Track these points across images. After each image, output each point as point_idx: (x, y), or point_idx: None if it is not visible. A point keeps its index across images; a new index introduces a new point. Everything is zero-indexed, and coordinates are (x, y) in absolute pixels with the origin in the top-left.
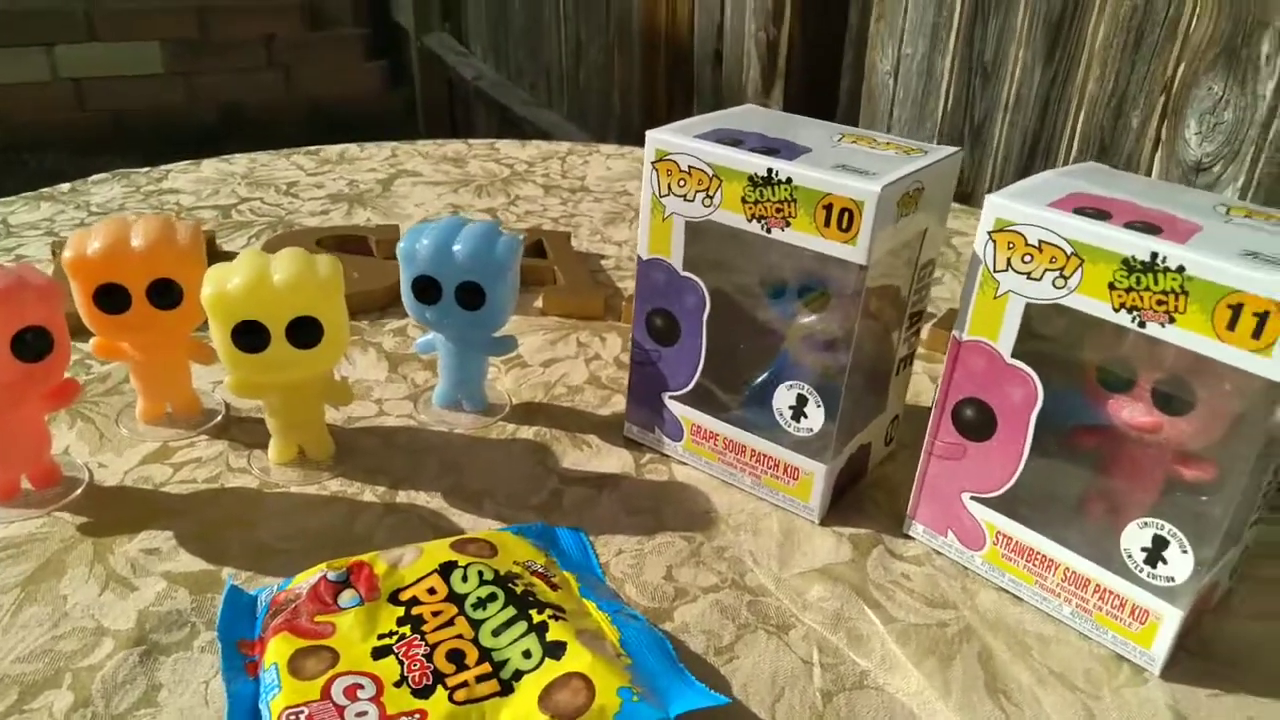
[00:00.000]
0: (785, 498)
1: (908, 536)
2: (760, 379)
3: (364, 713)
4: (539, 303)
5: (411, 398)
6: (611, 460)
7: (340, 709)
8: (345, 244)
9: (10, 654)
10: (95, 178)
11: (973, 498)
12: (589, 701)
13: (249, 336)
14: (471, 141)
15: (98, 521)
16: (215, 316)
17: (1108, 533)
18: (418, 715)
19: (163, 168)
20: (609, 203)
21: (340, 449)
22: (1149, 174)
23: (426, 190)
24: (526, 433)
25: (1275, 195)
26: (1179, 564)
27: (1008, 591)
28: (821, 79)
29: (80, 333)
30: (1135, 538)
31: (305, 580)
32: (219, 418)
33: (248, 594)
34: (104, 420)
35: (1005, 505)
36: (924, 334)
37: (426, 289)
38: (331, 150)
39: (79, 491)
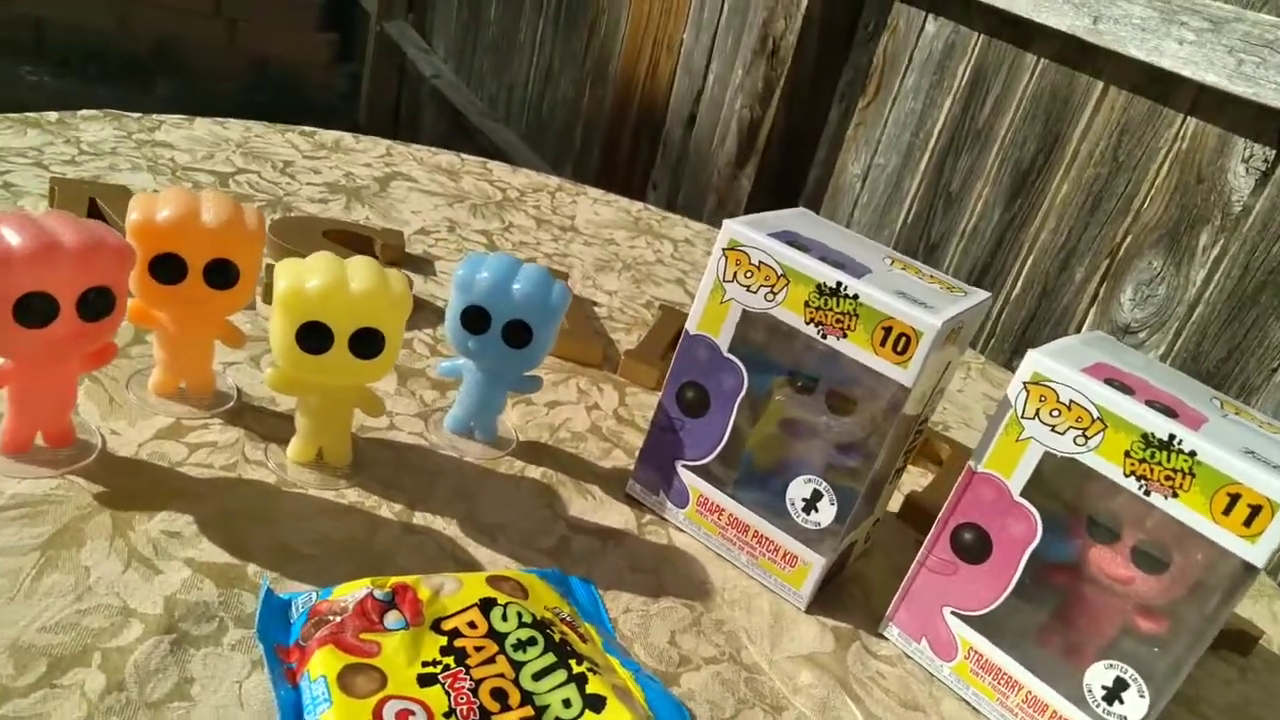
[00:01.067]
0: (778, 581)
1: (881, 636)
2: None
3: None
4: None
5: (422, 416)
6: (614, 515)
7: None
8: (349, 241)
9: (35, 622)
10: (84, 113)
11: (953, 612)
12: None
13: (313, 338)
14: (464, 156)
15: (114, 492)
16: (285, 312)
17: (1065, 663)
18: None
19: (155, 117)
20: (598, 249)
21: (355, 457)
22: (1080, 328)
23: (423, 199)
24: (534, 472)
25: (1189, 368)
26: (1135, 706)
27: (969, 704)
28: (793, 167)
29: None
30: (1099, 676)
31: (349, 594)
32: (232, 402)
33: (279, 597)
34: (112, 384)
35: (980, 623)
36: None
37: (476, 319)
38: (327, 136)
39: (93, 457)
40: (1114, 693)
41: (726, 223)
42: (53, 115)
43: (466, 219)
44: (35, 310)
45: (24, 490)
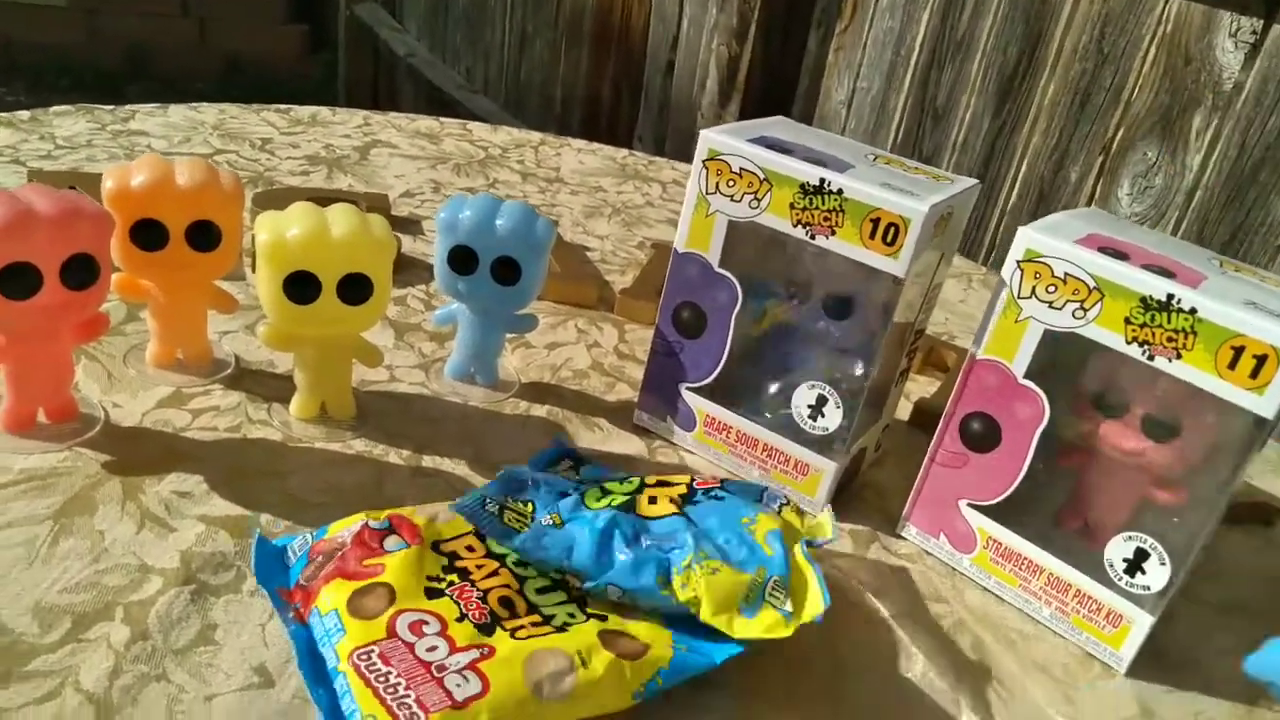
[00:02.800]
0: (792, 491)
1: (900, 536)
2: (790, 383)
3: (434, 647)
4: None
5: (422, 366)
6: (624, 444)
7: (410, 645)
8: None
9: (55, 585)
10: (57, 109)
11: (969, 505)
12: (645, 649)
13: (301, 287)
14: (444, 120)
15: (121, 460)
16: (269, 264)
17: (1085, 543)
18: (487, 649)
19: (128, 108)
20: (585, 196)
21: (359, 410)
22: None
23: (405, 163)
24: (539, 411)
25: None
26: (1157, 575)
27: (992, 592)
28: (776, 100)
29: None
30: (1119, 549)
31: (345, 529)
32: (230, 369)
33: (273, 543)
34: (110, 359)
35: (996, 513)
36: None
37: (464, 259)
38: (302, 111)
39: (97, 429)
40: (1135, 564)
41: (704, 132)
42: (25, 114)
43: (451, 179)
44: (18, 280)
45: (31, 465)
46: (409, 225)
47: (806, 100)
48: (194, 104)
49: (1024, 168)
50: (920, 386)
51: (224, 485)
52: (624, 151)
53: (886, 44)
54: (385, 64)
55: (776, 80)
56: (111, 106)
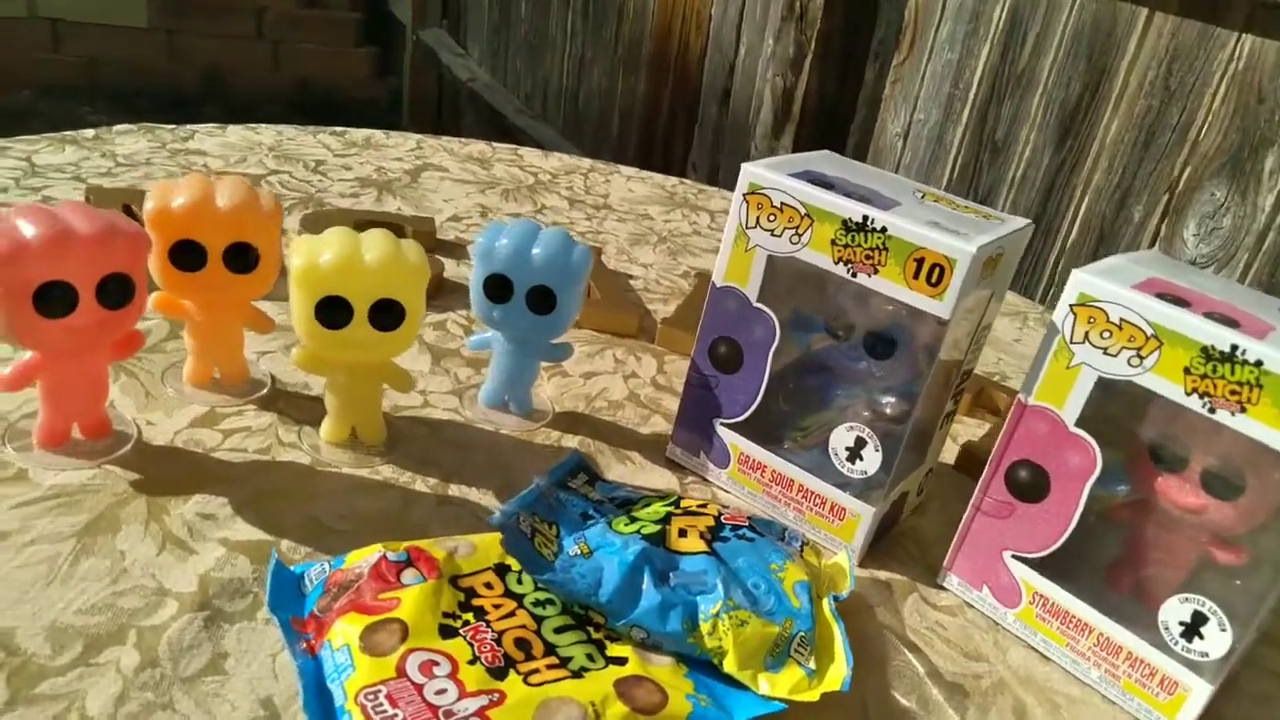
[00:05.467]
0: (827, 535)
1: (940, 587)
2: (821, 422)
3: (443, 690)
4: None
5: (456, 393)
6: (655, 479)
7: (419, 686)
8: None
9: (72, 605)
10: (120, 128)
11: (1014, 556)
12: (663, 702)
13: (333, 312)
14: (495, 145)
15: (149, 479)
16: (302, 288)
17: (1139, 603)
18: (497, 695)
19: (188, 127)
20: (632, 224)
21: (390, 436)
22: None
23: (454, 187)
24: (571, 441)
25: None
26: (1216, 640)
27: (1037, 650)
28: (831, 131)
29: None
30: (1175, 611)
31: (362, 560)
32: (265, 389)
33: (290, 570)
34: (148, 377)
35: (1044, 566)
36: None
37: (499, 288)
38: (358, 134)
39: (129, 447)
40: (1192, 628)
41: (745, 166)
42: (89, 132)
43: (499, 204)
44: (55, 299)
45: (61, 481)
46: (454, 250)
47: (862, 132)
48: (252, 125)
49: (1084, 206)
50: (968, 429)
51: (248, 508)
52: (674, 180)
53: (945, 77)
54: (448, 88)
55: (832, 112)
56: (172, 126)
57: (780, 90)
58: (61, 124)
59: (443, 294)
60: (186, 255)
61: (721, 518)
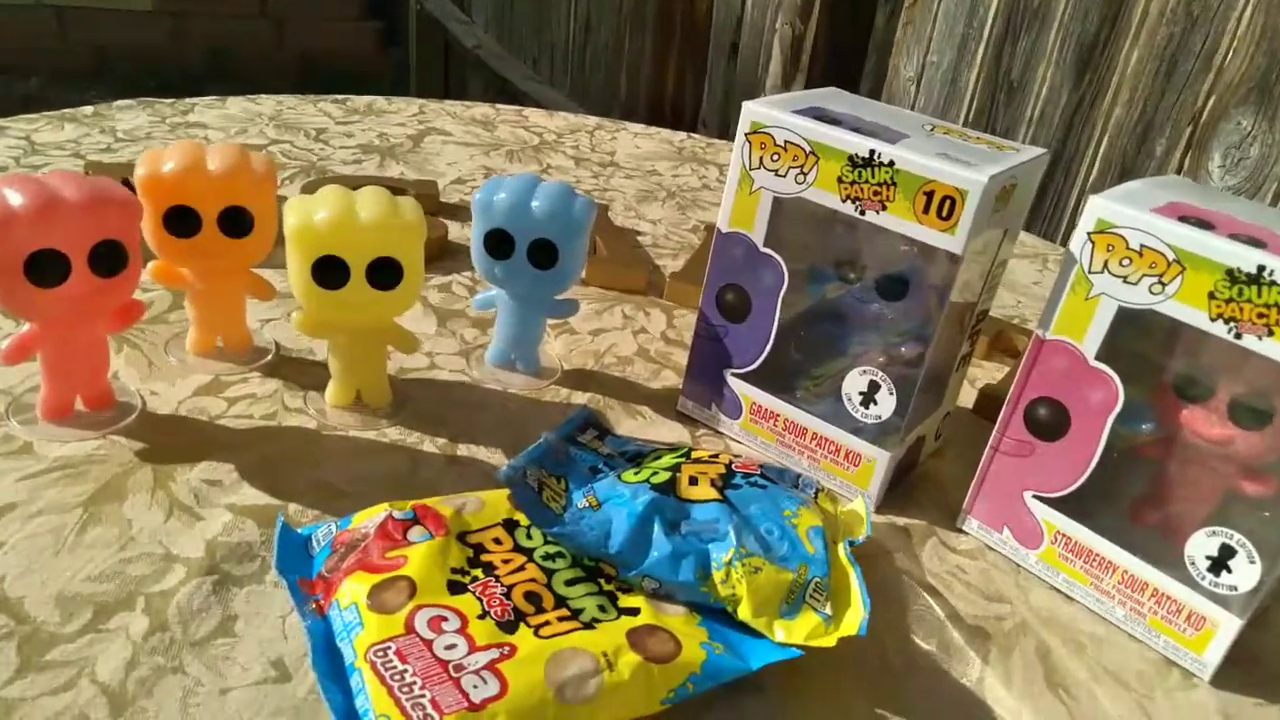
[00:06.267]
0: (842, 483)
1: (960, 530)
2: (834, 369)
3: (453, 645)
4: (582, 272)
5: (463, 354)
6: (667, 432)
7: (428, 642)
8: None
9: (80, 573)
10: (120, 103)
11: (1035, 496)
12: (677, 650)
13: (329, 272)
14: (499, 106)
15: (155, 448)
16: (297, 249)
17: (1164, 539)
18: (508, 648)
19: (188, 100)
20: (640, 180)
21: (396, 398)
22: None
23: (458, 150)
24: (580, 398)
25: None
26: (1245, 574)
27: (1059, 591)
28: (842, 79)
29: None
30: (1202, 545)
31: (368, 519)
32: (270, 356)
33: (297, 532)
34: (151, 348)
35: (1065, 506)
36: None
37: (500, 243)
38: (359, 101)
39: (133, 417)
40: (1220, 562)
41: (747, 104)
42: (89, 109)
43: (504, 165)
44: (46, 268)
45: (67, 453)
46: (458, 212)
47: (874, 79)
48: (253, 96)
49: (1105, 142)
50: (987, 373)
51: (254, 474)
52: (681, 135)
53: (958, 17)
54: (455, 57)
55: (842, 59)
56: (171, 100)
57: (789, 39)
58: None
59: (447, 256)
60: (180, 221)
61: (733, 465)
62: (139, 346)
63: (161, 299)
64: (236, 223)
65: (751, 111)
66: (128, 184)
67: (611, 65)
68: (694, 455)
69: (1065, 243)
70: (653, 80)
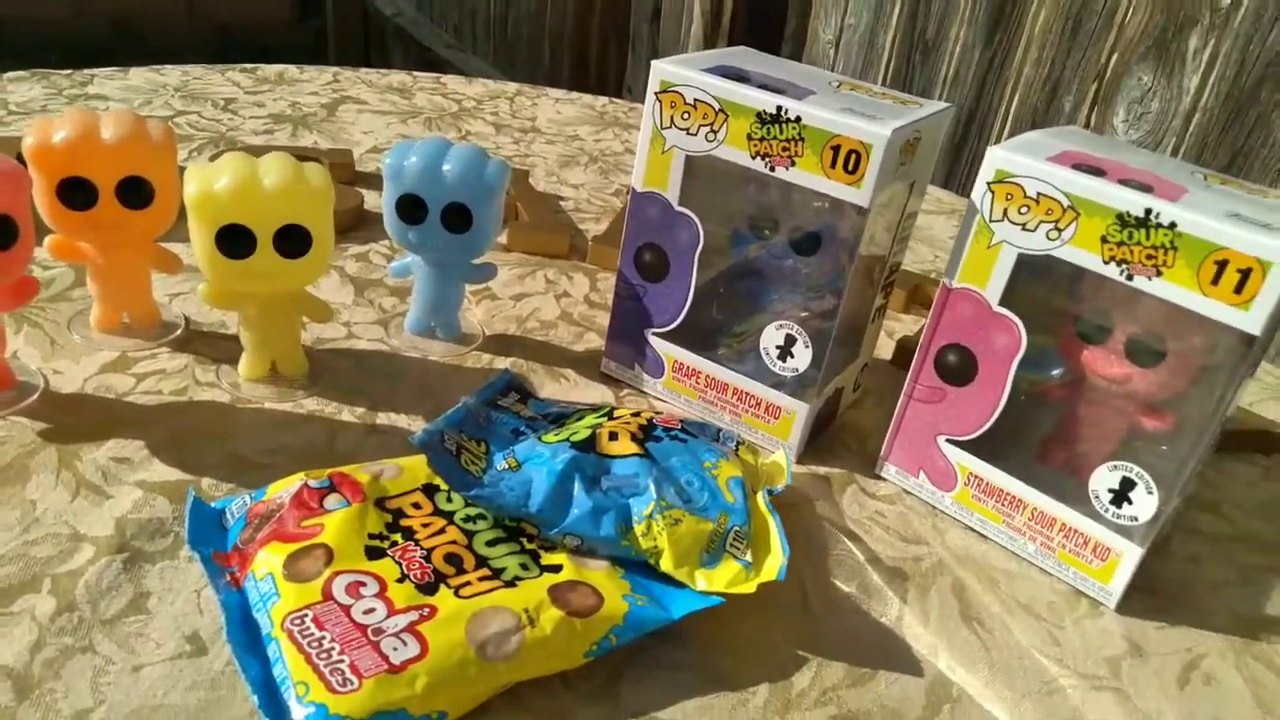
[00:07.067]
0: (764, 435)
1: (879, 477)
2: (755, 326)
3: (371, 609)
4: (503, 238)
5: (381, 323)
6: (590, 394)
7: (345, 608)
8: None
9: None
10: (11, 75)
11: (948, 440)
12: (599, 603)
13: (234, 241)
14: (416, 74)
15: (59, 428)
16: (199, 218)
17: (1070, 477)
18: (427, 610)
19: (86, 71)
20: (562, 146)
21: (312, 369)
22: None
23: (374, 119)
24: (503, 363)
25: None
26: (1144, 504)
27: (974, 530)
28: (763, 43)
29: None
30: (1104, 479)
31: (283, 489)
32: (179, 331)
33: (210, 506)
34: (54, 327)
35: (977, 448)
36: None
37: (412, 208)
38: (270, 69)
39: (35, 397)
40: (1121, 494)
41: (655, 63)
42: None
43: (421, 133)
44: None
45: None
46: (374, 180)
47: (794, 43)
48: (157, 66)
49: (1016, 100)
50: (905, 326)
51: (166, 450)
52: (604, 100)
53: None
54: (374, 27)
55: (763, 22)
56: (68, 71)
57: (710, 4)
58: None
59: (364, 226)
60: (75, 193)
61: (654, 420)
62: (40, 325)
63: (64, 276)
64: (135, 193)
65: (661, 70)
66: (21, 160)
67: (534, 31)
68: (616, 414)
69: None
70: (576, 45)
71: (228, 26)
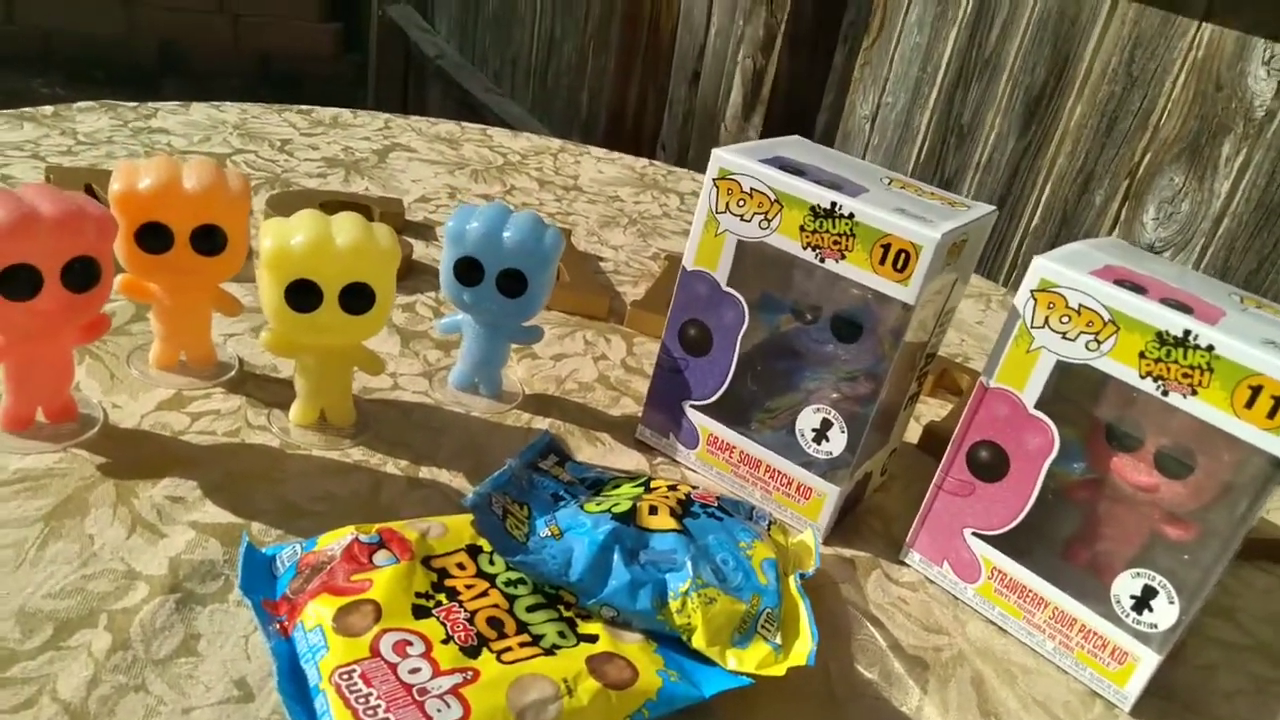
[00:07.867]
0: (793, 514)
1: (903, 563)
2: (788, 404)
3: (417, 669)
4: None
5: (426, 375)
6: (625, 459)
7: (393, 666)
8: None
9: (40, 589)
10: (80, 105)
11: (974, 533)
12: (634, 677)
13: (302, 296)
14: (465, 125)
15: (117, 463)
16: (272, 272)
17: (1092, 578)
18: (471, 673)
19: (151, 105)
20: (603, 206)
21: (359, 418)
22: None
23: (423, 167)
24: (541, 423)
25: None
26: (1165, 613)
27: (995, 624)
28: (800, 113)
29: None
30: (1126, 585)
31: (334, 541)
32: (233, 372)
33: (262, 552)
34: (113, 360)
35: (1002, 543)
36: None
37: (470, 270)
38: (324, 112)
39: (95, 430)
40: (1143, 601)
41: (716, 151)
42: (49, 109)
43: (467, 184)
44: (19, 282)
45: (27, 465)
46: (423, 231)
47: (831, 115)
48: (217, 103)
49: (1048, 190)
50: (931, 409)
51: (217, 491)
52: (643, 161)
53: (913, 60)
54: (415, 65)
55: (801, 94)
56: (134, 104)
57: (750, 72)
58: (14, 96)
59: (412, 276)
60: (153, 238)
61: (691, 495)
62: (101, 358)
63: (124, 310)
64: (209, 240)
65: (720, 159)
66: (90, 190)
67: (573, 83)
68: (653, 485)
69: (1007, 284)
70: (614, 101)
71: (270, 55)
